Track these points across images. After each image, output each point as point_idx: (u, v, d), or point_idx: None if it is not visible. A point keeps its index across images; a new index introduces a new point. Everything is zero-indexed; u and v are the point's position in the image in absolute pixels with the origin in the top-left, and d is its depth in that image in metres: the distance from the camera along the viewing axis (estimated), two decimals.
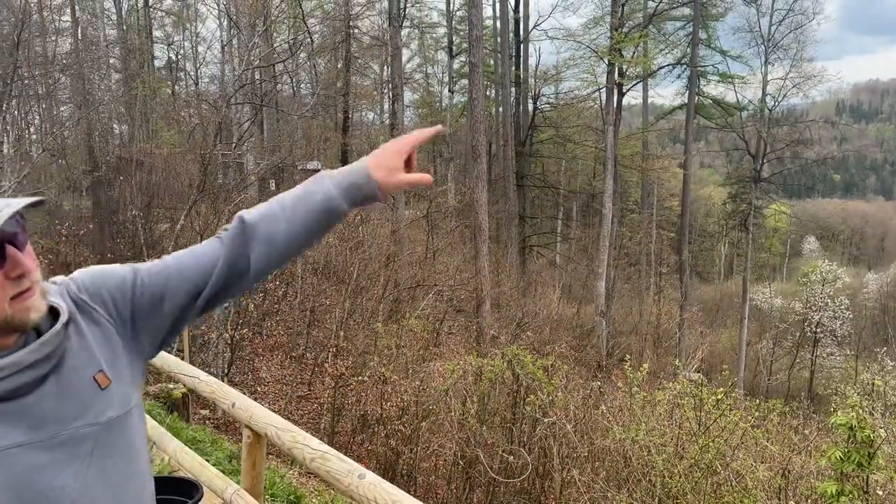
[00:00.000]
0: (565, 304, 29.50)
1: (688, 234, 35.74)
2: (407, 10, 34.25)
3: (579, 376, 15.89)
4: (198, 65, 36.42)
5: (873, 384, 30.03)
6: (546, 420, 6.91)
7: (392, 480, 5.19)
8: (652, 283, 40.16)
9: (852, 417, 4.22)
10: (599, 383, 9.66)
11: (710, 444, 5.80)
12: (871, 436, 4.13)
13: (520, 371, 7.40)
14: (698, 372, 31.44)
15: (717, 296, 48.73)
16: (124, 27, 32.24)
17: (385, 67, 35.83)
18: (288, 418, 9.63)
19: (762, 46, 30.08)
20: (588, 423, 7.38)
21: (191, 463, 4.26)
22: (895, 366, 36.07)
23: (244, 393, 10.46)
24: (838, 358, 34.51)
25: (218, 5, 29.03)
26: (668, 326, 31.88)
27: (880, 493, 4.53)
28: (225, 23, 28.22)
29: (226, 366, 12.17)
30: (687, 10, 30.06)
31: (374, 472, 2.66)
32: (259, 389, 13.04)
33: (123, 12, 33.15)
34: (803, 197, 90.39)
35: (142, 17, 34.81)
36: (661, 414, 6.85)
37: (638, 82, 31.27)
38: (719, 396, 6.39)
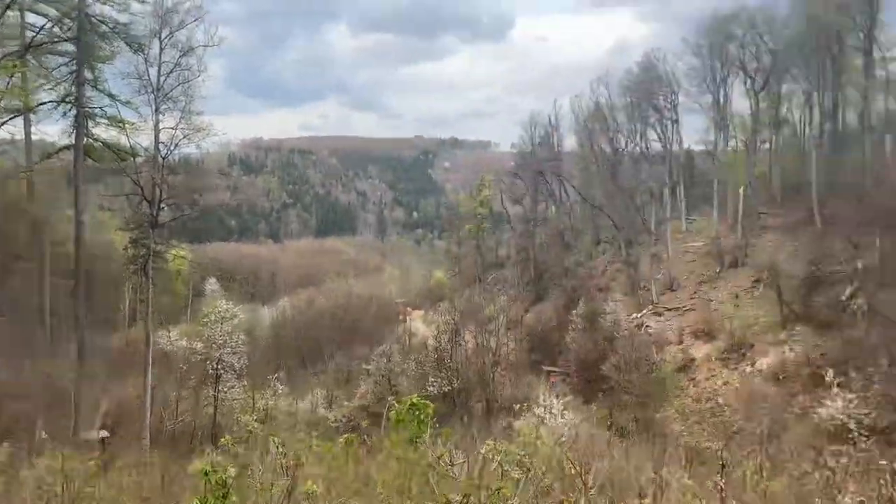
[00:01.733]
0: None
1: (85, 282, 33.49)
2: None
3: None
4: None
5: (267, 410, 33.48)
6: None
7: None
8: (48, 337, 36.09)
9: (206, 463, 4.48)
10: None
11: None
12: (224, 478, 4.46)
13: None
14: (104, 427, 29.57)
15: (122, 343, 47.11)
16: None
17: None
18: None
19: (152, 95, 30.71)
20: None
21: None
22: (285, 389, 41.39)
23: None
24: (238, 390, 37.56)
25: None
26: (65, 384, 29.05)
27: None
28: None
29: None
30: (71, 47, 28.40)
31: None
32: None
33: None
34: (204, 241, 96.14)
35: None
36: (26, 494, 6.00)
37: (14, 116, 27.84)
38: (93, 464, 5.98)
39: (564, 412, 33.85)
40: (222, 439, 6.51)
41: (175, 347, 42.64)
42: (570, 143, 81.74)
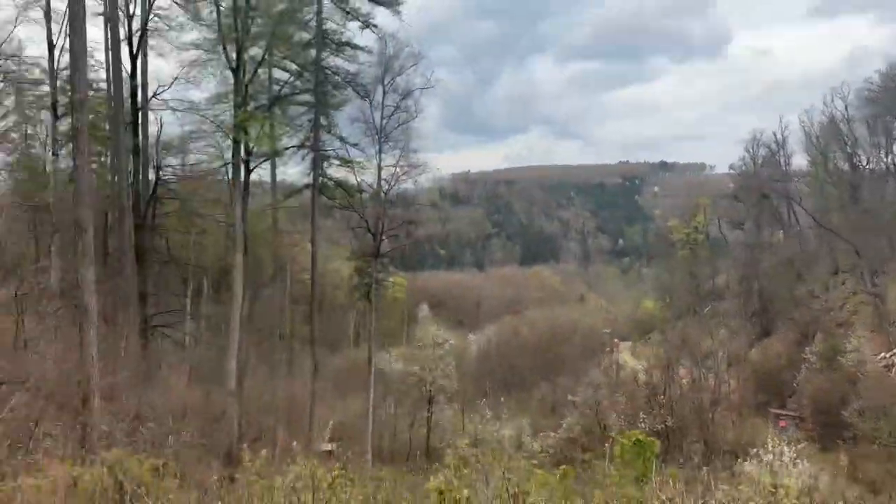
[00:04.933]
0: (195, 387, 27.71)
1: (318, 307, 36.93)
2: (0, 62, 29.65)
3: (207, 466, 14.79)
4: None
5: (475, 434, 34.24)
6: None
7: None
8: (286, 357, 40.35)
9: (442, 482, 4.66)
10: (220, 474, 9.11)
11: None
12: (458, 497, 4.61)
13: (122, 477, 6.53)
14: (331, 440, 32.21)
15: (347, 364, 51.15)
16: None
17: None
18: None
19: (376, 136, 33.61)
20: None
21: None
22: (493, 415, 42.12)
23: None
24: (448, 413, 38.89)
25: None
26: (302, 399, 32.17)
27: None
28: None
29: None
30: (309, 97, 32.02)
31: None
32: None
33: None
34: (416, 270, 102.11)
35: None
36: (279, 500, 6.69)
37: (264, 160, 31.89)
38: (336, 474, 6.51)
39: (797, 460, 30.44)
40: (447, 460, 6.72)
41: (392, 369, 45.40)
42: (798, 161, 74.52)
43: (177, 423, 18.25)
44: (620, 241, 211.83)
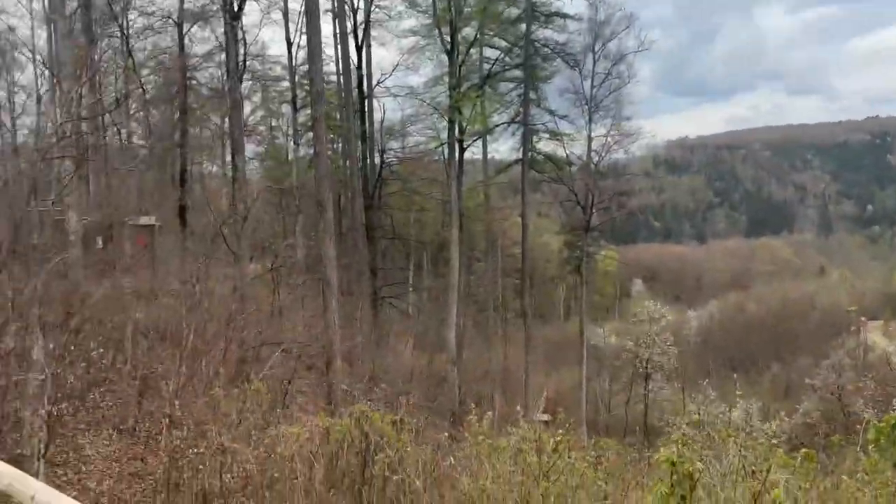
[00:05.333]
0: (419, 353, 29.73)
1: (529, 280, 37.46)
2: (248, 62, 33.72)
3: (433, 426, 15.87)
4: (14, 116, 33.18)
5: (699, 414, 32.57)
6: (395, 478, 6.81)
7: None
8: (499, 328, 41.57)
9: (673, 453, 4.55)
10: (447, 433, 9.74)
11: (551, 486, 6.00)
12: (690, 469, 4.47)
13: (367, 429, 7.27)
14: (545, 411, 32.69)
15: (558, 337, 51.37)
16: None
17: (226, 119, 34.88)
18: (118, 498, 8.58)
19: (586, 107, 32.93)
20: (437, 477, 7.37)
21: None
22: (717, 396, 39.78)
23: (66, 474, 9.25)
24: (667, 391, 37.37)
25: (33, 54, 26.88)
26: (516, 370, 33.02)
27: None
28: (47, 72, 26.16)
29: (42, 446, 10.90)
30: (518, 73, 32.27)
31: None
32: (84, 469, 11.83)
33: None
34: (629, 243, 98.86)
35: None
36: (505, 460, 6.99)
37: (477, 139, 32.87)
38: (559, 439, 6.65)
39: None
40: (674, 437, 6.54)
41: (605, 344, 44.68)
42: None
43: (406, 385, 19.74)
44: (869, 207, 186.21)
